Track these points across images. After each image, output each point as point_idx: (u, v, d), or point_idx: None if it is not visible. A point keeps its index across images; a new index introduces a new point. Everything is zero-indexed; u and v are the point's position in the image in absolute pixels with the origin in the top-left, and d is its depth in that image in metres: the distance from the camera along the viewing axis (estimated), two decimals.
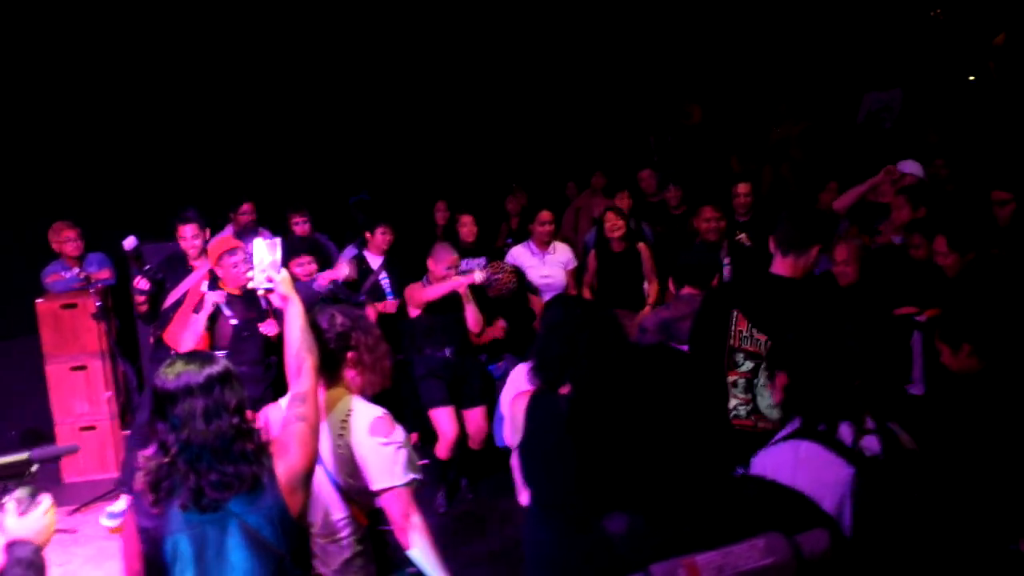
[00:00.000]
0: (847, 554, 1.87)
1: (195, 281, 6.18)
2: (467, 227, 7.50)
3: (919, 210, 6.03)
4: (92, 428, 7.17)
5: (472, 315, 6.29)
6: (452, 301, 6.25)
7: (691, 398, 1.82)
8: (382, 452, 3.13)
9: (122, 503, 6.18)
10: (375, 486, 3.15)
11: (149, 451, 2.71)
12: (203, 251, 6.24)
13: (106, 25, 9.13)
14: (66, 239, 7.04)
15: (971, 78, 10.58)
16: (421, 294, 6.26)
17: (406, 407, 6.38)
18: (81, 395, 7.08)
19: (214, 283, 6.04)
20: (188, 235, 6.18)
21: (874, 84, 10.29)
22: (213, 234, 7.08)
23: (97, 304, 6.52)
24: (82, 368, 7.15)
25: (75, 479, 7.16)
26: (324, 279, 6.20)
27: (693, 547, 1.70)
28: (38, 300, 7.13)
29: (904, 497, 2.57)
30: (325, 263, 7.08)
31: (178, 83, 9.65)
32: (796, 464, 2.65)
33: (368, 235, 7.06)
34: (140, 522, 2.68)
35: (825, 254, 7.13)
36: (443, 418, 6.28)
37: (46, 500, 2.51)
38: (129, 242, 6.28)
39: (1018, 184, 6.03)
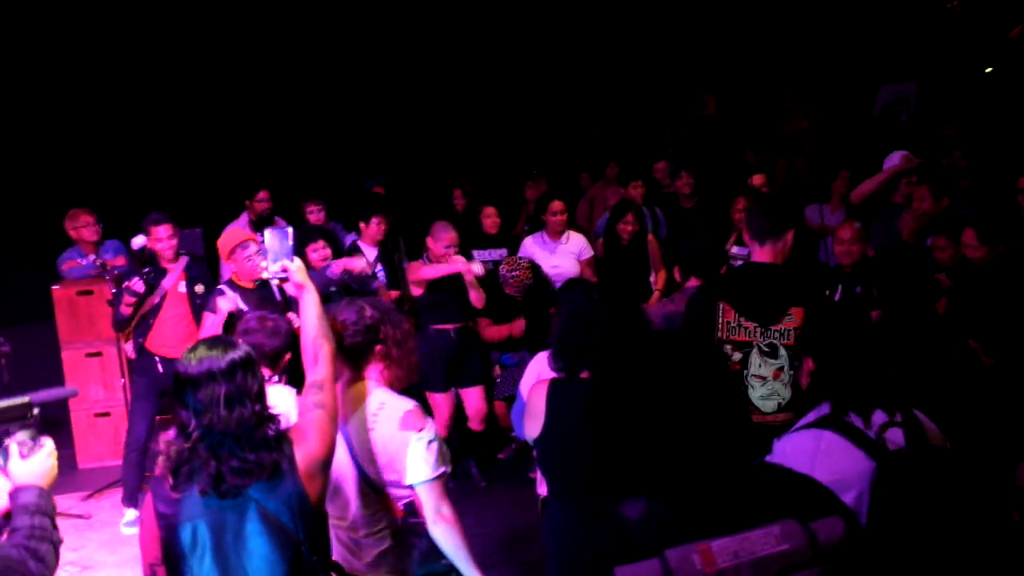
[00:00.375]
0: (863, 543, 1.87)
1: (172, 283, 6.14)
2: (490, 218, 7.45)
3: (942, 200, 5.98)
4: (107, 414, 7.20)
5: (476, 296, 6.34)
6: (455, 279, 6.28)
7: (709, 384, 1.82)
8: (414, 446, 3.11)
9: (132, 512, 6.11)
10: (407, 480, 3.14)
11: (169, 435, 2.72)
12: (178, 252, 6.19)
13: (120, 14, 9.15)
14: (84, 224, 7.04)
15: (988, 70, 10.52)
16: (419, 273, 6.29)
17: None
18: (96, 381, 7.11)
19: (194, 282, 6.06)
20: (164, 236, 6.05)
21: (890, 76, 10.24)
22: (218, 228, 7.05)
23: (113, 291, 6.50)
24: (97, 355, 7.18)
25: (90, 465, 7.20)
26: (338, 266, 6.16)
27: (709, 533, 1.71)
28: (54, 287, 7.16)
29: (923, 495, 2.52)
30: (337, 252, 7.06)
31: (194, 71, 9.67)
32: (816, 454, 2.61)
33: (363, 225, 6.93)
34: (158, 508, 2.68)
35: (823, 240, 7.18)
36: (440, 402, 6.39)
37: (48, 442, 2.50)
38: (138, 241, 6.16)
39: None
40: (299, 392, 3.92)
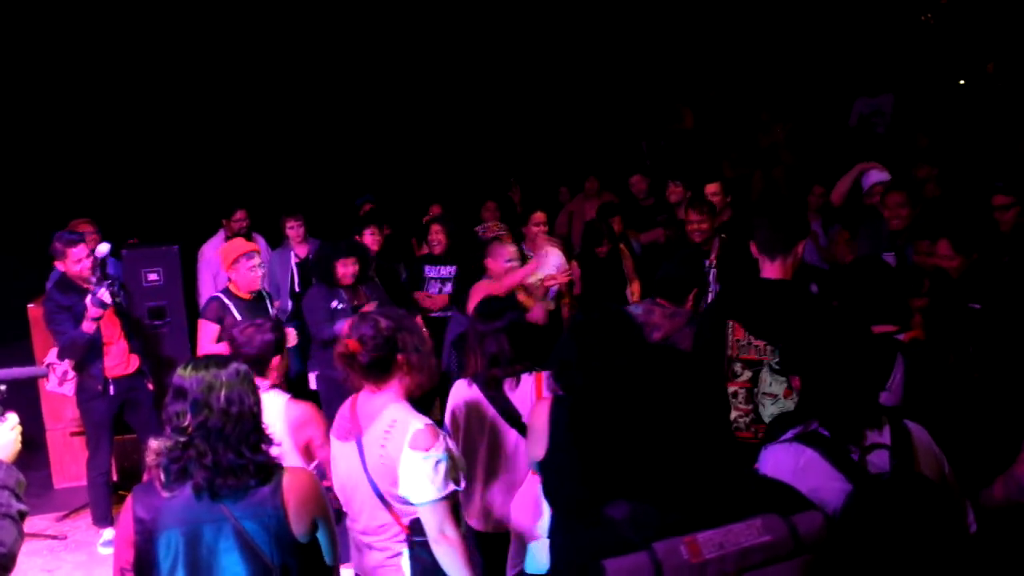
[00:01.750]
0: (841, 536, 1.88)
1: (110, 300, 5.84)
2: (435, 235, 7.47)
3: (917, 208, 6.01)
4: (82, 434, 7.10)
5: (540, 310, 6.15)
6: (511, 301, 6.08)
7: (691, 396, 1.84)
8: (422, 466, 3.08)
9: (110, 532, 6.00)
10: (413, 499, 3.13)
11: (156, 441, 2.72)
12: (95, 268, 5.82)
13: (101, 33, 9.15)
14: (84, 233, 6.95)
15: (961, 82, 10.67)
16: (490, 290, 5.74)
17: None
18: (72, 401, 7.00)
19: (117, 292, 5.80)
20: (83, 255, 5.81)
21: (866, 88, 10.36)
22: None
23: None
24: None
25: (65, 485, 7.11)
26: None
27: (693, 529, 1.72)
28: (30, 305, 7.09)
29: (896, 522, 2.44)
30: (365, 267, 6.81)
31: (172, 89, 9.66)
32: (795, 472, 2.57)
33: (357, 239, 6.97)
34: (136, 512, 2.67)
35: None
36: None
37: (12, 417, 2.56)
38: (102, 249, 5.77)
39: (1017, 187, 6.00)
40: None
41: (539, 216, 7.25)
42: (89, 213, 7.38)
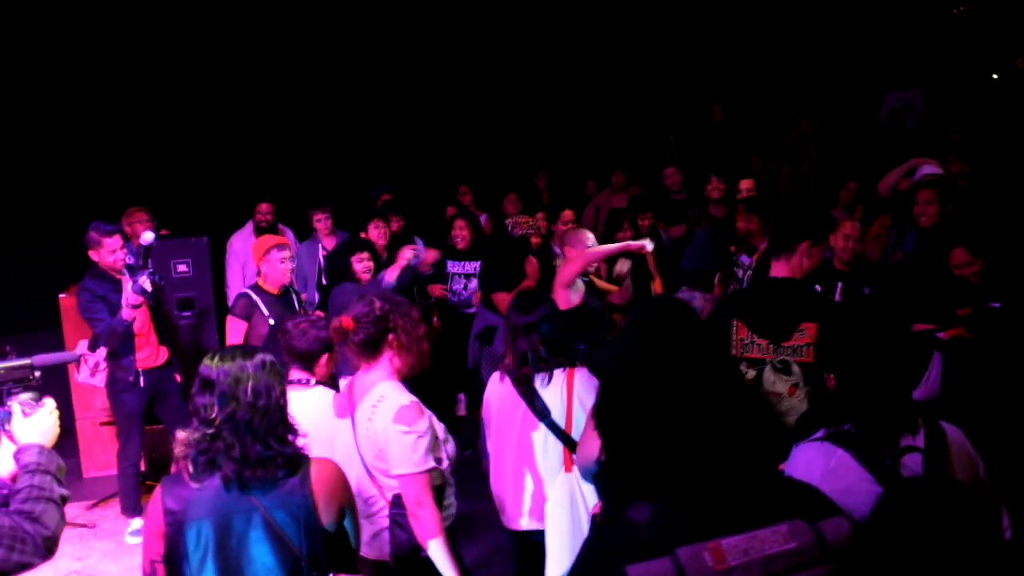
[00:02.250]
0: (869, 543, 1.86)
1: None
2: (458, 230, 7.50)
3: (948, 206, 5.94)
4: (112, 423, 7.17)
5: (620, 291, 6.24)
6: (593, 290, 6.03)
7: (721, 393, 1.82)
8: (402, 440, 3.25)
9: (138, 521, 6.06)
10: (393, 471, 3.30)
11: (184, 433, 2.73)
12: (139, 256, 5.86)
13: (127, 26, 9.20)
14: (138, 220, 7.03)
15: (994, 76, 10.53)
16: (572, 266, 5.66)
17: None
18: (101, 390, 7.07)
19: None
20: (117, 246, 5.90)
21: (897, 82, 10.25)
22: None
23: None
24: None
25: (95, 474, 7.21)
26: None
27: (715, 534, 1.70)
28: (61, 295, 7.16)
29: (928, 527, 2.39)
30: (378, 263, 6.87)
31: (199, 80, 9.71)
32: (825, 471, 2.53)
33: (362, 235, 7.06)
34: (166, 504, 2.68)
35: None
36: None
37: (49, 402, 2.60)
38: (147, 237, 5.80)
39: None
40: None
41: (567, 215, 7.36)
42: (120, 204, 7.44)
